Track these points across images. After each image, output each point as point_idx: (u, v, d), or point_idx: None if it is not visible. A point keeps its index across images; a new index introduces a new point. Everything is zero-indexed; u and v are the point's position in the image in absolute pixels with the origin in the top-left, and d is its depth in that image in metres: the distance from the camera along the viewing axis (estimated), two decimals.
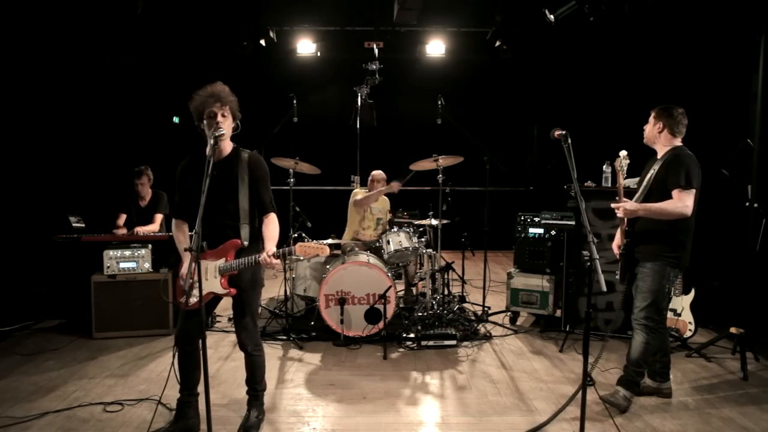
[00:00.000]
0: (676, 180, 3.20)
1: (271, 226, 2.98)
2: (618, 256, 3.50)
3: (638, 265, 3.40)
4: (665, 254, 3.29)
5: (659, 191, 3.29)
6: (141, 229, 5.01)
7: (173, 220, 3.09)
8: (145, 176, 5.29)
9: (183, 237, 3.04)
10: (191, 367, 3.00)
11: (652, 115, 3.45)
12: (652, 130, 3.43)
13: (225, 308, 4.87)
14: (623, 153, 3.32)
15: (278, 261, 2.84)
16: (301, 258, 5.03)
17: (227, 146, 2.99)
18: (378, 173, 5.53)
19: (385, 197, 5.66)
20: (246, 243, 2.94)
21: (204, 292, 2.93)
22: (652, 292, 3.31)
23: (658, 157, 3.41)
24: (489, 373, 3.99)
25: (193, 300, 2.83)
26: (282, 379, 3.86)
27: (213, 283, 2.93)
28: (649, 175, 3.39)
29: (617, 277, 3.50)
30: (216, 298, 3.04)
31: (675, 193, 3.21)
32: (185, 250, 2.92)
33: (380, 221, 5.53)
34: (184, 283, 2.55)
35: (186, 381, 3.04)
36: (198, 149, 2.96)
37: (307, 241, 5.03)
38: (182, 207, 3.05)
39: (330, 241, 5.32)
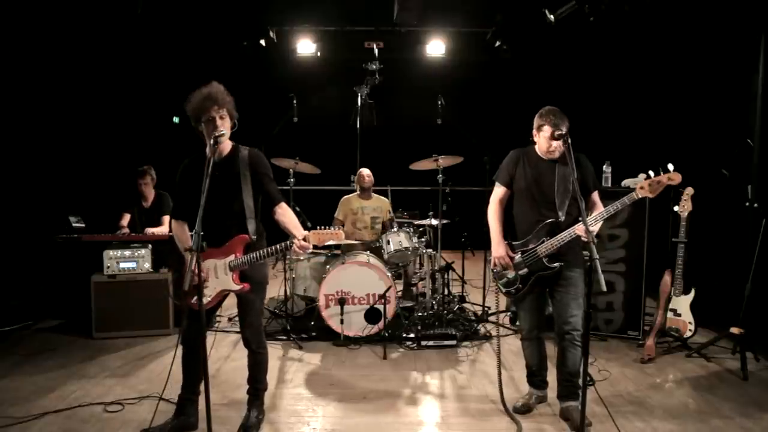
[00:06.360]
0: (595, 182, 3.29)
1: (289, 215, 3.01)
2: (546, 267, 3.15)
3: (567, 270, 3.14)
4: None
5: (576, 194, 2.96)
6: (151, 231, 5.00)
7: (173, 221, 3.10)
8: (148, 176, 5.26)
9: (185, 237, 3.04)
10: (196, 366, 3.01)
11: (564, 126, 3.13)
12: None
13: (226, 308, 4.86)
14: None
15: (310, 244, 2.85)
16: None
17: (226, 145, 3.01)
18: (365, 171, 5.52)
19: (383, 197, 5.66)
20: (254, 237, 2.96)
21: (216, 291, 2.95)
22: (583, 297, 3.10)
23: (552, 158, 3.22)
24: (489, 373, 3.99)
25: (206, 300, 2.86)
26: (282, 379, 3.86)
27: (225, 281, 2.94)
28: (564, 177, 3.17)
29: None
30: (222, 297, 3.04)
31: (596, 194, 3.26)
32: (185, 250, 2.94)
33: (376, 220, 5.53)
34: (187, 283, 2.55)
35: (189, 379, 3.06)
36: (198, 150, 2.97)
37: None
38: (183, 208, 3.07)
39: (331, 241, 5.32)
